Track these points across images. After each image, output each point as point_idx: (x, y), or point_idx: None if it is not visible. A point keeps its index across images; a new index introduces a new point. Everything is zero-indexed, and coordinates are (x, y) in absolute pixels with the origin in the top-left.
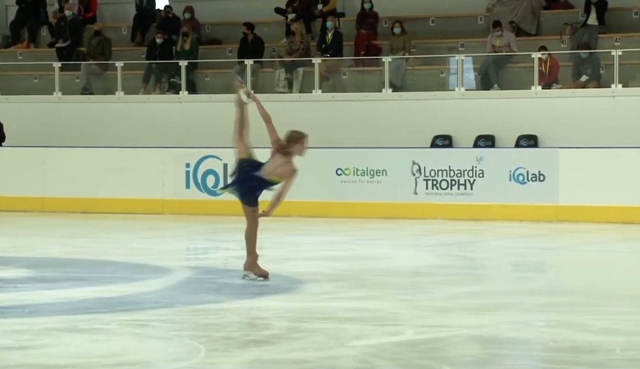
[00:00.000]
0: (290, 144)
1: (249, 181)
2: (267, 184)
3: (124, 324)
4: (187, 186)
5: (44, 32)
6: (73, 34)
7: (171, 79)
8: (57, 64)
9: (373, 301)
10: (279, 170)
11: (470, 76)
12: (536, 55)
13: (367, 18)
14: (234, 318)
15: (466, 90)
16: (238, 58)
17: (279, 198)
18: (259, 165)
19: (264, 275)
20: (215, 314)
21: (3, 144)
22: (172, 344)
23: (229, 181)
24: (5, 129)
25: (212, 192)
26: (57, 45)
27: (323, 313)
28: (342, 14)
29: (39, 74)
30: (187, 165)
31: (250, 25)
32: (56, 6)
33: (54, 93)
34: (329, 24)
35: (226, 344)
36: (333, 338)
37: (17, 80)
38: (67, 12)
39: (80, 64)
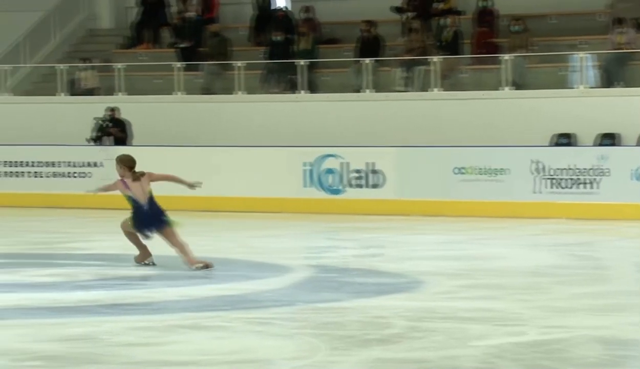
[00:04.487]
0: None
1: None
2: None
3: (246, 322)
4: (306, 185)
5: (166, 33)
6: (194, 35)
7: (289, 79)
8: (178, 65)
9: (493, 301)
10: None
11: (591, 74)
12: None
13: (486, 16)
14: (355, 317)
15: (588, 88)
16: (356, 57)
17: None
18: None
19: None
20: (335, 312)
21: (132, 143)
22: (293, 342)
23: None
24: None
25: (330, 191)
26: (178, 45)
27: (443, 312)
28: (460, 12)
29: (160, 74)
30: (305, 164)
31: (370, 23)
32: (178, 7)
33: (176, 93)
34: (447, 22)
35: (347, 342)
36: (454, 337)
37: (138, 80)
38: (188, 14)
39: (201, 64)
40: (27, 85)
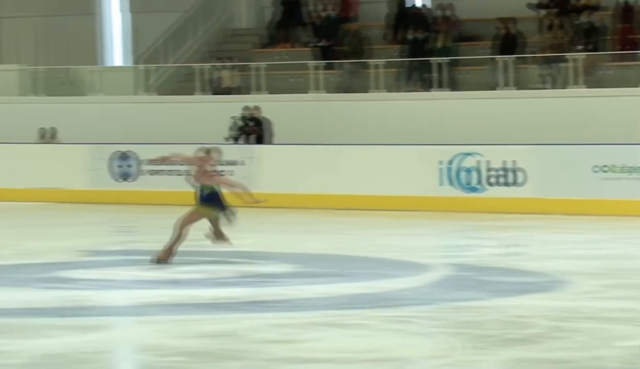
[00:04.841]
0: None
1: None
2: None
3: (384, 320)
4: (442, 183)
5: (304, 32)
6: (331, 34)
7: (427, 77)
8: (315, 63)
9: (638, 301)
10: None
11: None
12: None
13: (627, 12)
14: (495, 316)
15: None
16: (494, 54)
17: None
18: None
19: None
20: (475, 311)
21: (272, 141)
22: (431, 340)
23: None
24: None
25: (468, 189)
26: (316, 44)
27: (586, 312)
28: (600, 8)
29: (297, 73)
30: (442, 162)
31: (508, 21)
32: (315, 6)
33: (313, 91)
34: (587, 18)
35: (486, 341)
36: (597, 338)
37: (276, 79)
38: (325, 13)
39: (338, 62)
40: (168, 85)
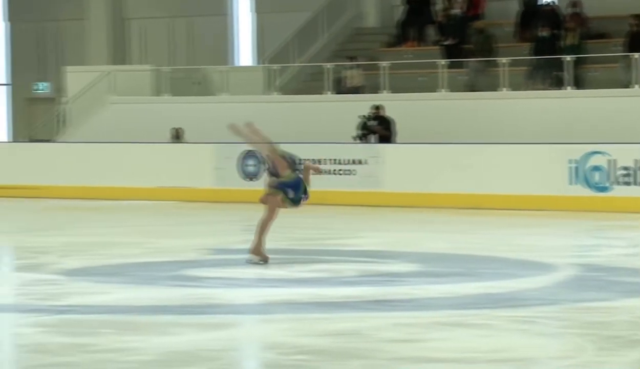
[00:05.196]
0: None
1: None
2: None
3: (510, 320)
4: (571, 182)
5: (431, 30)
6: (459, 32)
7: (556, 75)
8: (442, 62)
9: None
10: None
11: None
12: None
13: None
14: (624, 317)
15: None
16: (625, 52)
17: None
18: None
19: (265, 259)
20: (602, 312)
21: (395, 141)
22: (558, 341)
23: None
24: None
25: (597, 189)
26: (443, 43)
27: None
28: None
29: (424, 72)
30: (571, 161)
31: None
32: (443, 5)
33: (440, 90)
34: None
35: (614, 343)
36: None
37: (403, 78)
38: (454, 11)
39: (465, 61)
40: (295, 84)
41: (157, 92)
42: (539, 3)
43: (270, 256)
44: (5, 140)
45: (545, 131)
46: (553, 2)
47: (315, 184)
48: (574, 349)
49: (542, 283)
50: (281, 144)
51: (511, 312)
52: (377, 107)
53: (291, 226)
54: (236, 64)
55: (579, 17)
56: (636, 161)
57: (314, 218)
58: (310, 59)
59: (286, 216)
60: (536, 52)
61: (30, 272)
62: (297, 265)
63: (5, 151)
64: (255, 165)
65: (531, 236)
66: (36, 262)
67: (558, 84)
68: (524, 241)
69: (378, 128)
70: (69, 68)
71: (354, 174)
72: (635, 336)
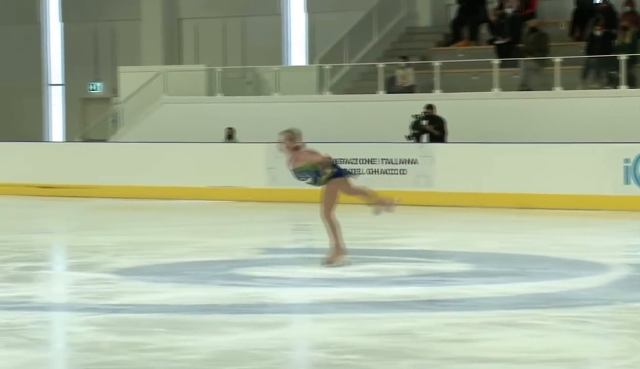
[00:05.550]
0: None
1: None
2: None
3: (562, 320)
4: (627, 182)
5: (484, 30)
6: (512, 31)
7: (610, 74)
8: (495, 61)
9: None
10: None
11: None
12: None
13: None
14: None
15: None
16: None
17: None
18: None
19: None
20: None
21: (446, 140)
22: (610, 341)
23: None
24: (447, 126)
25: None
26: (496, 42)
27: None
28: None
29: (477, 71)
30: (627, 161)
31: None
32: (496, 3)
33: (492, 90)
34: None
35: None
36: None
37: (456, 78)
38: (507, 10)
39: (519, 60)
40: (347, 84)
41: (210, 92)
42: (594, 2)
43: (323, 255)
44: (60, 140)
45: (599, 130)
46: (608, 1)
47: (367, 184)
48: (627, 349)
49: (595, 283)
50: (333, 144)
51: (563, 312)
52: (430, 107)
53: (343, 226)
54: (288, 64)
55: (633, 16)
56: None
57: (364, 218)
58: (362, 58)
59: (338, 216)
60: (590, 51)
61: (83, 272)
62: (349, 265)
63: (60, 151)
64: None
65: (584, 236)
66: (89, 262)
67: (612, 83)
68: (577, 240)
69: (430, 127)
70: (122, 68)
71: (405, 174)
72: None
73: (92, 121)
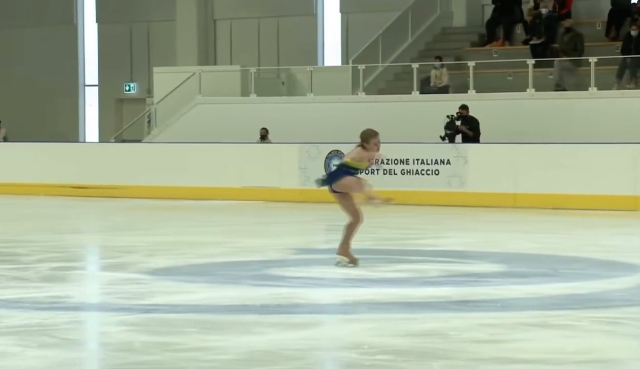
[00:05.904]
0: (364, 139)
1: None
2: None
3: (595, 321)
4: None
5: (519, 30)
6: (547, 31)
7: None
8: (530, 61)
9: None
10: (353, 154)
11: None
12: None
13: None
14: None
15: None
16: None
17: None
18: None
19: (354, 261)
20: None
21: (479, 140)
22: None
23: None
24: (481, 126)
25: None
26: (531, 42)
27: None
28: None
29: (512, 71)
30: None
31: None
32: (531, 3)
33: (527, 90)
34: None
35: None
36: None
37: (491, 78)
38: (542, 10)
39: (554, 60)
40: (381, 84)
41: (244, 92)
42: (631, 2)
43: (357, 256)
44: (95, 140)
45: (635, 131)
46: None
47: (400, 184)
48: None
49: (629, 284)
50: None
51: (596, 313)
52: (464, 107)
53: (375, 226)
54: (322, 64)
55: None
56: None
57: (397, 218)
58: (396, 59)
59: (370, 216)
60: (625, 51)
61: (116, 272)
62: (381, 265)
63: (94, 151)
64: None
65: (617, 236)
66: (122, 262)
67: None
68: (610, 241)
69: (463, 128)
70: (157, 69)
71: (437, 174)
72: None
73: (126, 121)
